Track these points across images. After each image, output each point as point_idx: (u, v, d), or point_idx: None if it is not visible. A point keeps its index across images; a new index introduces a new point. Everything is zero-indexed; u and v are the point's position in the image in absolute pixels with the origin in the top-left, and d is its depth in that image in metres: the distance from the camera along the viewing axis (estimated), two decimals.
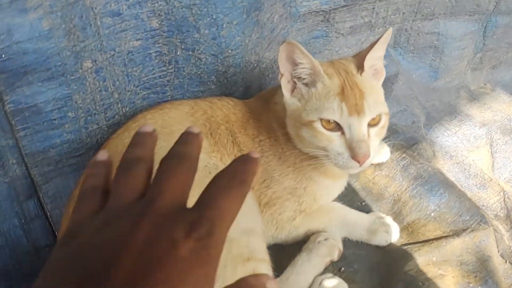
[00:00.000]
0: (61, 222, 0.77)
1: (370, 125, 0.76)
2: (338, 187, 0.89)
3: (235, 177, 0.41)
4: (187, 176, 0.42)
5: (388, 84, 1.17)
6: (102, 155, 0.48)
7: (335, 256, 0.81)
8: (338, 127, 0.75)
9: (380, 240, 0.86)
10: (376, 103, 0.76)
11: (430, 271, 0.79)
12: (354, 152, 0.73)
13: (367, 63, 0.77)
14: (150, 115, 0.82)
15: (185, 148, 0.46)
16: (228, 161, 0.76)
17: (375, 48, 0.77)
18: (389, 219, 0.89)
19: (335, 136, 0.75)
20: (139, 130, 0.49)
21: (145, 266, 0.34)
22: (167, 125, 0.78)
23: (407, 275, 0.78)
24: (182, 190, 0.41)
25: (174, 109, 0.83)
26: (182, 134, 0.49)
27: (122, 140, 0.77)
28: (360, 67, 0.78)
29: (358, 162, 0.74)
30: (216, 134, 0.81)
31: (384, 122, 0.78)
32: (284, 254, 0.81)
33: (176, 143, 0.48)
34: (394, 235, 0.87)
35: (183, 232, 0.36)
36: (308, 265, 0.78)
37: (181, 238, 0.36)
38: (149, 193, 0.41)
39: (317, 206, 0.85)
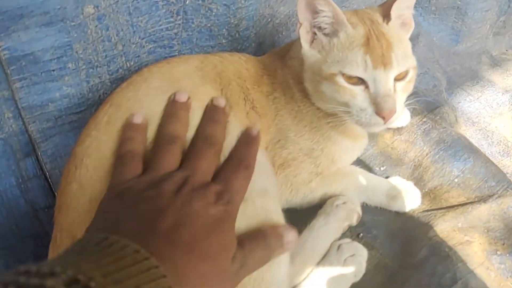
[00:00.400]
0: (60, 181, 0.71)
1: (396, 79, 0.70)
2: (358, 149, 0.84)
3: (241, 163, 0.55)
4: (214, 159, 0.54)
5: None
6: (137, 118, 0.59)
7: (354, 221, 0.76)
8: (361, 80, 0.69)
9: (400, 205, 0.81)
10: (404, 55, 0.70)
11: (456, 237, 0.74)
12: (379, 108, 0.67)
13: (394, 12, 0.71)
14: (156, 68, 0.75)
15: (213, 130, 0.57)
16: (241, 118, 0.71)
17: None
18: (410, 184, 0.84)
19: (358, 90, 0.69)
20: (175, 98, 0.61)
21: (186, 218, 0.43)
22: (175, 79, 0.72)
23: (432, 241, 0.73)
24: (210, 170, 0.53)
25: (183, 63, 0.76)
26: (209, 107, 0.61)
27: (125, 94, 0.71)
28: (387, 16, 0.71)
29: (383, 118, 0.68)
30: (228, 90, 0.74)
31: (412, 76, 0.72)
32: (299, 219, 0.76)
33: (204, 121, 0.59)
34: (416, 201, 0.82)
35: (213, 199, 0.48)
36: (325, 230, 0.73)
37: (212, 203, 0.47)
38: (185, 169, 0.51)
39: (334, 168, 0.80)
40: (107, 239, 0.34)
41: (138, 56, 0.82)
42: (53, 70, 0.72)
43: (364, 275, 0.70)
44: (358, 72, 0.68)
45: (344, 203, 0.77)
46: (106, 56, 0.77)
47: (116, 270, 0.30)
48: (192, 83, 0.71)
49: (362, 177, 0.82)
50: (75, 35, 0.71)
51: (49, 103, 0.75)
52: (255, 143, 0.59)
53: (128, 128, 0.57)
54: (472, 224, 0.77)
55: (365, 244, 0.74)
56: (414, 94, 1.01)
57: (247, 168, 0.55)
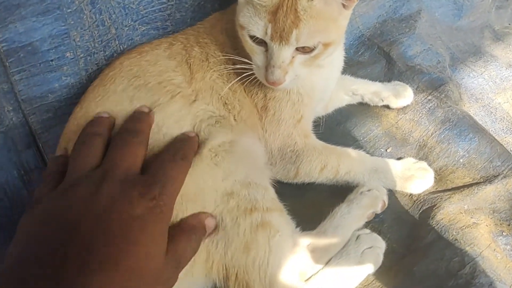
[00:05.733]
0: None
1: (300, 51, 0.69)
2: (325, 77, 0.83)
3: (177, 153, 0.49)
4: (138, 148, 0.48)
5: (410, 21, 1.08)
6: (59, 151, 0.57)
7: (379, 209, 0.75)
8: (264, 42, 0.69)
9: (417, 187, 0.80)
10: (313, 33, 0.66)
11: (463, 220, 0.74)
12: (267, 75, 0.69)
13: None
14: (127, 61, 0.73)
15: (136, 124, 0.52)
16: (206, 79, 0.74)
17: None
18: (423, 164, 0.83)
19: (258, 50, 0.70)
20: (96, 116, 0.58)
21: (105, 226, 0.38)
22: (141, 72, 0.71)
23: (439, 224, 0.73)
24: (135, 161, 0.46)
25: (151, 50, 0.75)
26: (134, 111, 0.55)
27: (94, 98, 0.68)
28: None
29: (271, 84, 0.70)
30: (191, 58, 0.75)
31: (320, 52, 0.69)
32: (323, 207, 0.75)
33: (128, 119, 0.54)
34: (430, 181, 0.81)
35: (138, 193, 0.41)
36: (348, 218, 0.72)
37: (136, 198, 0.41)
38: (105, 164, 0.45)
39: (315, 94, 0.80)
40: None
41: (132, 39, 0.80)
42: (52, 60, 0.70)
43: None
44: (258, 35, 0.68)
45: (369, 190, 0.76)
46: (101, 42, 0.75)
47: None
48: (156, 69, 0.71)
49: (370, 159, 0.82)
50: (72, 22, 0.69)
51: (49, 94, 0.73)
52: (193, 142, 0.54)
53: (51, 160, 0.57)
54: (478, 205, 0.77)
55: (372, 229, 0.74)
56: (418, 72, 1.00)
57: (184, 158, 0.49)
